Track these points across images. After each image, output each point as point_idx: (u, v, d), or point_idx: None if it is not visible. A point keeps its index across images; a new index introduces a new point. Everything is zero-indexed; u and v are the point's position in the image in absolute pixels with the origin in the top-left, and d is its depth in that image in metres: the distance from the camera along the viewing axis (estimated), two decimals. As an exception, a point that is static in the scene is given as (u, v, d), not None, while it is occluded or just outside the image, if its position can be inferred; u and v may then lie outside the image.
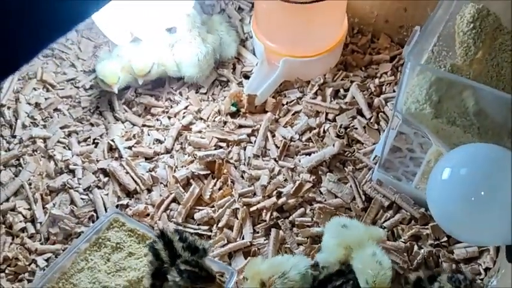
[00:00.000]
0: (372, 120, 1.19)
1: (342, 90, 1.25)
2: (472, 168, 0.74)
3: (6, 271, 1.02)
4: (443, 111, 0.86)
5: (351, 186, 1.09)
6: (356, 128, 1.18)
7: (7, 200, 1.10)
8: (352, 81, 1.25)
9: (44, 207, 1.09)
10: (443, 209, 0.76)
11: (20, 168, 1.14)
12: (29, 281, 1.00)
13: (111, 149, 1.18)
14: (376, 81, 1.25)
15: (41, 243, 1.05)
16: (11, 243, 1.05)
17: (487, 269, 0.97)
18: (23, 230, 1.07)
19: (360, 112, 1.21)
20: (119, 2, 0.97)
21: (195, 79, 1.25)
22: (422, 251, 1.00)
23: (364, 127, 1.18)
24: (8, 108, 1.24)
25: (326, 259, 0.94)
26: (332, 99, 1.23)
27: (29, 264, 1.03)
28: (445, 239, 1.01)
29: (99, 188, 1.12)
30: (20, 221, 1.08)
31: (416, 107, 0.87)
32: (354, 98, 1.22)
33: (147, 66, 1.20)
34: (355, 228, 0.92)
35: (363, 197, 1.08)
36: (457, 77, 0.83)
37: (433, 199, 0.78)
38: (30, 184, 1.12)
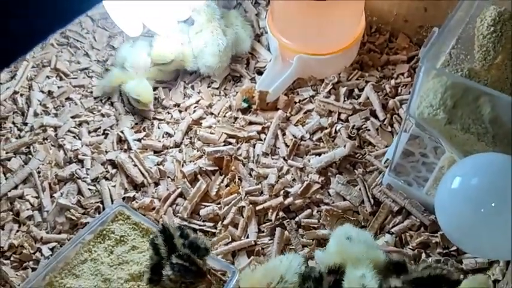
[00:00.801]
0: (385, 122, 1.16)
1: (356, 90, 1.22)
2: (483, 179, 0.71)
3: (12, 258, 1.02)
4: (457, 117, 0.83)
5: (360, 189, 1.07)
6: (368, 130, 1.16)
7: (15, 187, 1.11)
8: (367, 81, 1.23)
9: (51, 196, 1.10)
10: (451, 219, 0.73)
11: (30, 156, 1.15)
12: (33, 269, 1.01)
13: (121, 140, 1.17)
14: (392, 82, 1.22)
15: (47, 232, 1.06)
16: (17, 231, 1.06)
17: (496, 281, 0.94)
18: (30, 218, 1.07)
19: (373, 113, 1.18)
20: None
21: (213, 71, 1.23)
22: (430, 259, 0.97)
23: (377, 129, 1.16)
24: (21, 95, 1.24)
25: (322, 259, 0.92)
26: (346, 98, 1.20)
27: (34, 253, 1.03)
28: (454, 248, 0.98)
29: (106, 179, 1.12)
30: (27, 209, 1.08)
31: (430, 112, 0.84)
32: (368, 98, 1.20)
33: (168, 57, 1.20)
34: (358, 245, 0.88)
35: (372, 200, 1.05)
36: (473, 83, 0.80)
37: (441, 207, 0.75)
38: (39, 172, 1.12)
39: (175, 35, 1.21)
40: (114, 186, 1.11)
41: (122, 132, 1.17)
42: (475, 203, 0.70)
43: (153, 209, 1.07)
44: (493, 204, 0.70)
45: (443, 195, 0.74)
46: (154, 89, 1.23)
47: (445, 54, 0.91)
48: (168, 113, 1.22)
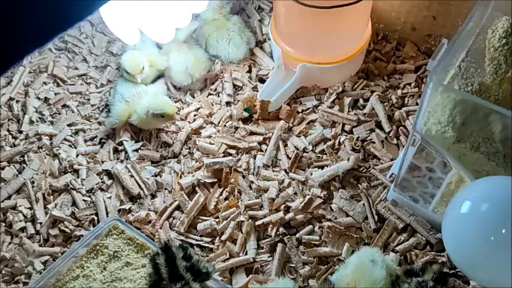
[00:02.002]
0: (391, 135, 1.12)
1: (361, 100, 1.18)
2: (494, 204, 0.67)
3: (3, 271, 0.99)
4: (466, 136, 0.79)
5: (363, 204, 1.03)
6: (373, 142, 1.12)
7: (9, 197, 1.08)
8: (372, 91, 1.18)
9: (45, 207, 1.07)
10: (458, 245, 0.69)
11: (24, 165, 1.11)
12: (25, 283, 0.98)
13: (117, 150, 1.14)
14: (399, 92, 1.18)
15: (40, 245, 1.03)
16: (9, 243, 1.03)
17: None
18: (23, 229, 1.04)
19: (378, 125, 1.14)
20: (127, 1, 0.93)
21: (188, 85, 1.21)
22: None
23: (382, 141, 1.12)
24: (17, 102, 1.21)
25: (335, 277, 0.88)
26: (350, 109, 1.16)
27: (26, 266, 1.00)
28: (462, 269, 0.94)
29: (102, 190, 1.09)
30: (20, 220, 1.05)
31: (438, 129, 0.80)
32: (373, 109, 1.16)
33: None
34: (380, 270, 0.84)
35: (376, 217, 1.02)
36: (481, 100, 0.76)
37: (448, 232, 0.71)
38: (33, 182, 1.09)
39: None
40: (110, 197, 1.07)
41: (119, 142, 1.14)
42: (485, 230, 0.66)
43: (149, 222, 1.04)
44: (503, 231, 0.66)
45: (451, 220, 0.70)
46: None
47: (454, 67, 0.87)
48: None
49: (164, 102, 1.12)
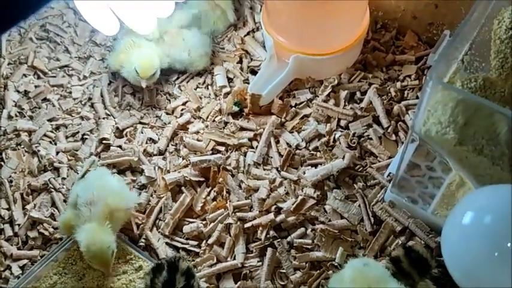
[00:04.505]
0: (389, 130, 1.06)
1: (358, 94, 1.12)
2: (499, 216, 0.61)
3: (-21, 276, 0.95)
4: (469, 137, 0.73)
5: (359, 205, 0.98)
6: (371, 139, 1.05)
7: (-15, 198, 1.03)
8: (370, 84, 1.12)
9: (23, 208, 1.01)
10: (459, 259, 0.64)
11: (2, 163, 1.06)
12: (1, 288, 0.93)
13: (100, 146, 1.08)
14: (398, 84, 1.12)
15: (18, 248, 0.98)
16: (-14, 246, 0.98)
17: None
18: (0, 231, 0.99)
19: (376, 120, 1.08)
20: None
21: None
22: (434, 285, 0.88)
23: (380, 137, 1.06)
24: (-5, 95, 1.15)
25: None
26: (346, 103, 1.10)
27: (3, 271, 0.95)
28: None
29: (83, 189, 1.03)
30: (-2, 222, 1.00)
31: (438, 130, 0.74)
32: (371, 103, 1.09)
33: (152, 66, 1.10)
34: (377, 269, 0.80)
35: (372, 219, 0.96)
36: (483, 100, 0.69)
37: (448, 245, 0.65)
38: (10, 182, 1.04)
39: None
40: (92, 197, 1.02)
41: (102, 139, 1.08)
42: (488, 244, 0.60)
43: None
44: (508, 245, 0.60)
45: (452, 231, 0.64)
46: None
47: (457, 61, 0.80)
48: (152, 115, 1.12)
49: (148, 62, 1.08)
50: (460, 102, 0.73)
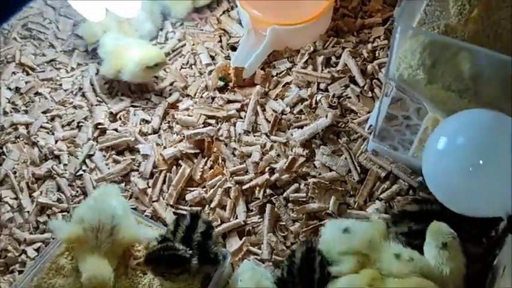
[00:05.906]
0: (365, 88, 1.14)
1: (333, 58, 1.19)
2: (469, 137, 0.69)
3: (-3, 263, 0.99)
4: (437, 76, 0.81)
5: (345, 158, 1.05)
6: (349, 97, 1.13)
7: (-8, 190, 1.07)
8: (343, 48, 1.20)
9: (30, 196, 1.06)
10: (439, 181, 0.72)
11: (4, 157, 1.10)
12: (20, 272, 0.98)
13: (96, 131, 1.13)
14: (369, 46, 1.20)
15: (30, 233, 1.03)
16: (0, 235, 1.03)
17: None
18: (11, 220, 1.04)
19: (352, 80, 1.16)
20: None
21: None
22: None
23: (358, 96, 1.14)
24: (-12, 95, 1.19)
25: (340, 272, 0.84)
26: (323, 67, 1.17)
27: (19, 255, 1.00)
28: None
29: (84, 171, 1.08)
30: (7, 211, 1.05)
31: (409, 73, 0.82)
32: (346, 65, 1.17)
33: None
34: (358, 230, 0.84)
35: (359, 168, 1.04)
36: (450, 39, 0.78)
37: (428, 170, 0.74)
38: (15, 173, 1.09)
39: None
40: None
41: (97, 124, 1.13)
42: (462, 162, 0.69)
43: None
44: (480, 162, 0.69)
45: (430, 158, 0.73)
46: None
47: (420, 12, 0.88)
48: (143, 98, 1.18)
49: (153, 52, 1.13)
50: (427, 46, 0.81)
